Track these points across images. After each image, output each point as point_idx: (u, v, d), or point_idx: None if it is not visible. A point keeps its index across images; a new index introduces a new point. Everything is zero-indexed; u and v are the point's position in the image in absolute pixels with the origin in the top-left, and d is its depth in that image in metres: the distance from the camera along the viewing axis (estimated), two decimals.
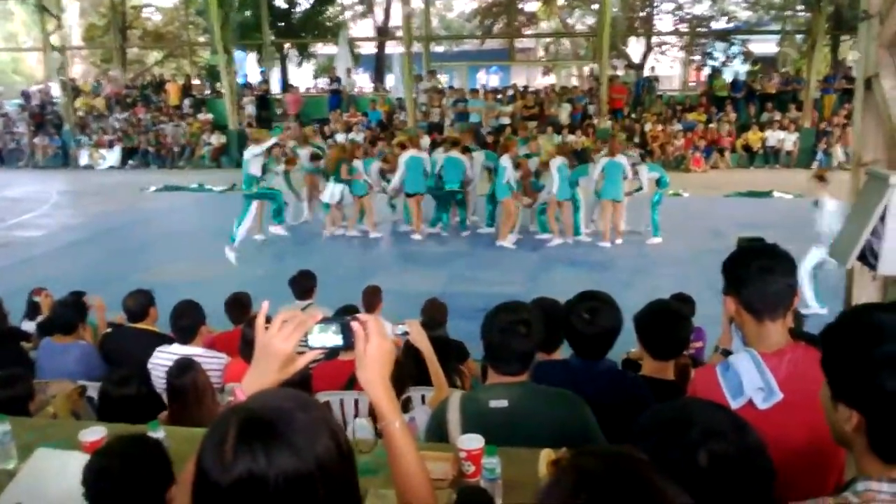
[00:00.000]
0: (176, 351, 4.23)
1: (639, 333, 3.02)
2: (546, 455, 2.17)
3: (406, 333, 3.22)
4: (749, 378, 2.00)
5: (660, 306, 3.07)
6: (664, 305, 3.10)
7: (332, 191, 11.37)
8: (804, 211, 11.05)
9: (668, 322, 3.00)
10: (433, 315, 5.00)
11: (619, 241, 10.56)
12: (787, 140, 18.28)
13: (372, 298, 5.58)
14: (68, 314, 4.59)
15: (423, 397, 3.63)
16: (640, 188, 10.95)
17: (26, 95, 24.26)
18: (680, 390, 2.98)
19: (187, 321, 4.32)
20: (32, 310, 5.57)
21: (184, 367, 3.44)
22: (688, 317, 3.10)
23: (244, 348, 4.10)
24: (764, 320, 2.07)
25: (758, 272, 2.06)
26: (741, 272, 2.11)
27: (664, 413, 1.45)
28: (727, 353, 2.41)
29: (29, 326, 5.36)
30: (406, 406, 3.60)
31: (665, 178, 10.86)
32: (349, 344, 1.47)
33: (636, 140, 17.37)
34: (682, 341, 3.08)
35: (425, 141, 13.09)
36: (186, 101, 22.40)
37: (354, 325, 1.47)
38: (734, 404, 1.97)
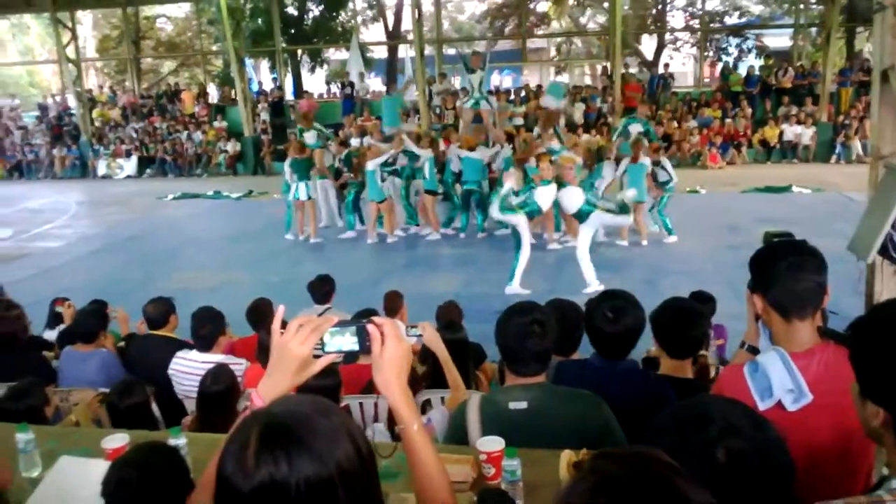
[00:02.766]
0: (196, 358, 4.27)
1: (655, 332, 2.99)
2: (567, 456, 2.16)
3: (420, 336, 3.22)
4: (779, 379, 1.95)
5: (675, 304, 3.04)
6: (679, 303, 3.07)
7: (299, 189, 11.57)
8: (824, 205, 10.98)
9: (684, 320, 2.96)
10: (450, 318, 5.00)
11: (644, 242, 10.48)
12: (804, 134, 18.11)
13: (394, 303, 5.58)
14: (89, 323, 4.62)
15: (442, 399, 3.63)
16: (669, 181, 10.71)
17: (43, 107, 24.55)
18: (699, 388, 2.95)
19: (208, 330, 4.35)
20: (54, 319, 5.63)
21: (219, 376, 3.47)
22: (704, 314, 3.06)
23: (260, 354, 4.13)
24: (792, 319, 2.01)
25: (787, 270, 2.00)
26: (770, 269, 2.04)
27: (682, 410, 1.44)
28: (753, 349, 2.37)
29: (50, 335, 5.42)
30: (425, 409, 3.60)
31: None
32: (365, 348, 1.47)
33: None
34: (698, 339, 3.04)
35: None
36: (197, 108, 22.55)
37: (370, 327, 1.46)
38: (762, 406, 1.93)
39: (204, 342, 4.34)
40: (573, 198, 8.25)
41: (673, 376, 2.94)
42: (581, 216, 8.32)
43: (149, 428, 3.37)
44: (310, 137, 12.72)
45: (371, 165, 11.01)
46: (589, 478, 1.00)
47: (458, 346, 3.90)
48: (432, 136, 12.80)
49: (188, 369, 4.20)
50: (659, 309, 3.01)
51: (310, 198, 11.62)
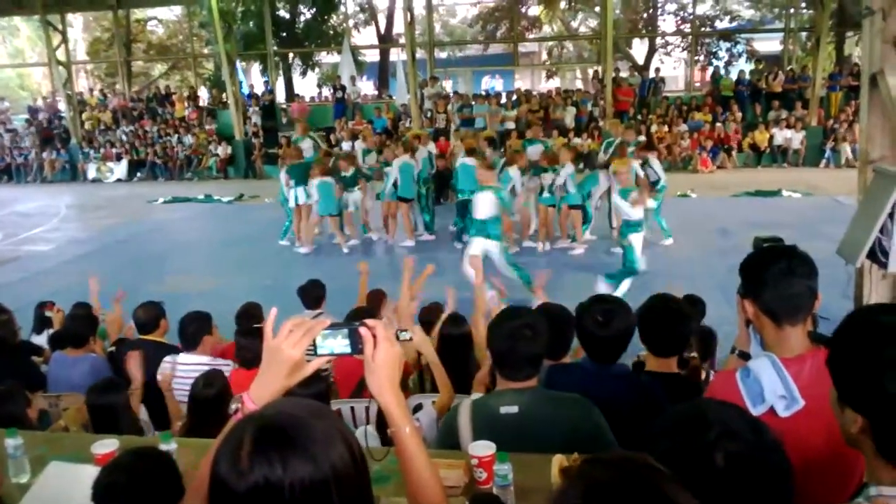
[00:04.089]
0: (183, 361, 4.28)
1: (640, 330, 3.00)
2: (558, 461, 2.17)
3: (409, 339, 3.22)
4: (770, 385, 1.94)
5: (660, 302, 3.05)
6: (665, 302, 3.08)
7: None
8: (814, 209, 11.03)
9: (668, 319, 2.99)
10: (431, 319, 5.00)
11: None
12: (794, 138, 18.20)
13: (377, 303, 5.58)
14: (79, 327, 4.60)
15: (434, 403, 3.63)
16: (659, 181, 10.64)
17: (33, 111, 24.43)
18: (685, 382, 2.97)
19: (193, 328, 4.39)
20: (40, 323, 5.59)
21: (211, 380, 3.47)
22: (688, 313, 3.06)
23: (239, 354, 4.13)
24: (784, 325, 2.00)
25: (778, 275, 1.99)
26: (761, 275, 2.03)
27: (680, 414, 1.45)
28: (744, 354, 2.37)
29: (37, 340, 5.39)
30: (417, 411, 3.60)
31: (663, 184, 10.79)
32: (357, 350, 1.46)
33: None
34: (682, 338, 3.05)
35: (430, 147, 13.03)
36: (187, 111, 22.50)
37: (362, 330, 1.46)
38: (755, 412, 1.92)
39: (189, 341, 4.36)
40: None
41: (659, 372, 2.96)
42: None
43: (132, 430, 3.37)
44: (305, 147, 12.65)
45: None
46: (578, 484, 1.00)
47: (462, 340, 3.90)
48: (424, 136, 12.76)
49: (176, 373, 4.19)
50: (644, 307, 3.03)
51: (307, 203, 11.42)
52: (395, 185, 11.30)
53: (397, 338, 1.51)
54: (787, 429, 1.80)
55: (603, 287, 7.50)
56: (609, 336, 2.78)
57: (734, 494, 1.29)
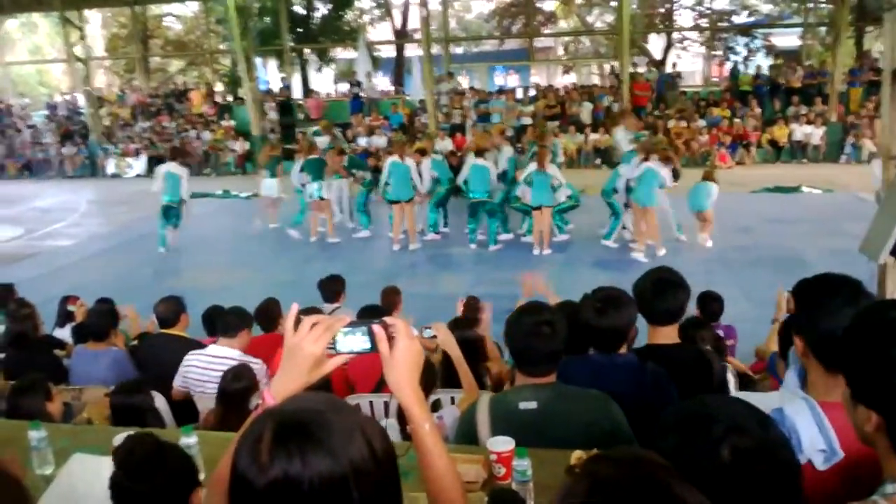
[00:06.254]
0: (215, 353, 4.32)
1: (637, 301, 2.99)
2: (577, 456, 2.17)
3: (434, 337, 3.23)
4: (809, 438, 1.77)
5: (653, 275, 3.05)
6: (658, 274, 3.06)
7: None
8: (834, 205, 10.95)
9: (661, 288, 2.97)
10: (469, 313, 4.99)
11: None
12: (813, 134, 18.00)
13: (391, 299, 5.59)
14: (100, 322, 4.65)
15: (452, 399, 3.63)
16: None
17: (52, 107, 24.65)
18: (683, 354, 2.97)
19: (232, 320, 4.47)
20: (63, 318, 5.65)
21: (240, 374, 3.52)
22: (683, 284, 3.05)
23: None
24: (837, 375, 1.76)
25: (847, 322, 1.67)
26: (828, 323, 1.78)
27: (686, 409, 1.44)
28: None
29: (59, 334, 5.45)
30: (436, 408, 3.61)
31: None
32: (377, 348, 1.47)
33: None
34: (676, 307, 3.03)
35: (446, 143, 12.98)
36: (205, 107, 22.61)
37: (376, 327, 1.46)
38: None
39: (228, 329, 4.42)
40: None
41: (660, 344, 2.97)
42: None
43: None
44: (322, 141, 12.70)
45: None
46: (584, 481, 1.00)
47: (468, 345, 3.91)
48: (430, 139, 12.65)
49: (205, 364, 4.26)
50: (640, 278, 3.03)
51: (322, 198, 11.44)
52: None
53: (421, 335, 1.51)
54: (821, 479, 1.71)
55: None
56: (607, 325, 2.78)
57: (742, 490, 1.28)
